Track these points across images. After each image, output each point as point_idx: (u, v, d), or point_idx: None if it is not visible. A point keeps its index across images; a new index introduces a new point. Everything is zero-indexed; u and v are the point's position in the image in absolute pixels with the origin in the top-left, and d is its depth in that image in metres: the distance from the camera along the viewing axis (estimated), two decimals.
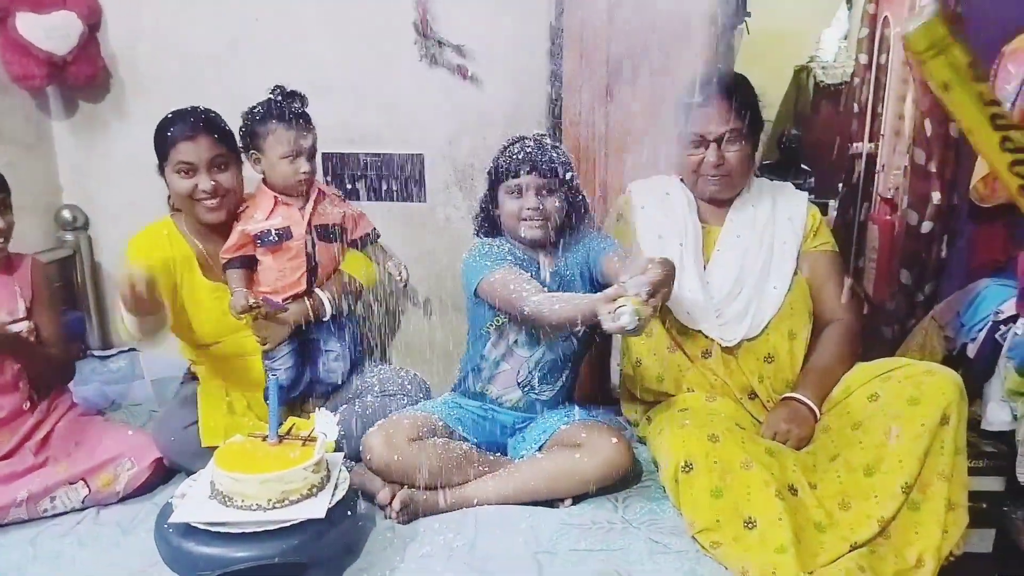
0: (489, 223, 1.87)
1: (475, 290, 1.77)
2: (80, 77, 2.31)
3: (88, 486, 1.71)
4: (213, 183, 1.83)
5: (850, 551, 1.46)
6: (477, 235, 1.90)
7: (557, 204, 1.76)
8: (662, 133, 2.00)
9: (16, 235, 2.38)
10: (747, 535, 1.46)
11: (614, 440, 1.70)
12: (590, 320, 1.49)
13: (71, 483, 1.70)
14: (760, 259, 1.83)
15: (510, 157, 1.75)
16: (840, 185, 3.08)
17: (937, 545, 1.48)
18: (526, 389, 1.84)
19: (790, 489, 1.52)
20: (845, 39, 4.20)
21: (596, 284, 1.81)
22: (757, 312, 1.81)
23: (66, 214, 2.49)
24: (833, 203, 3.22)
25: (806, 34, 4.33)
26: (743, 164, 1.82)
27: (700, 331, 1.81)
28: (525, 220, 1.76)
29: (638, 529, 1.60)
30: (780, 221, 1.87)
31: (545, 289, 1.72)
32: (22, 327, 1.76)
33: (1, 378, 1.75)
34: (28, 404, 1.80)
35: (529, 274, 1.74)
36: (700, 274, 1.83)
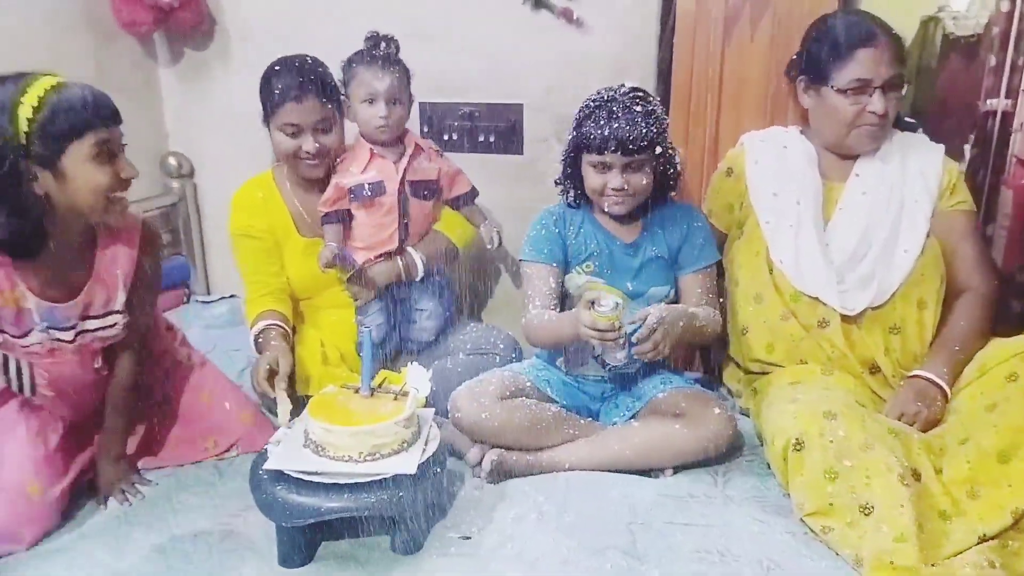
0: (575, 186, 1.74)
1: None
2: (185, 23, 2.33)
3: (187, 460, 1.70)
4: (317, 145, 1.80)
5: (979, 543, 1.33)
6: (562, 196, 1.79)
7: (644, 181, 1.63)
8: (783, 82, 1.84)
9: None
10: (863, 521, 1.34)
11: (716, 411, 1.61)
12: (573, 329, 1.51)
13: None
14: (888, 219, 1.67)
15: (596, 128, 1.59)
16: (968, 146, 2.83)
17: None
18: (606, 364, 1.73)
19: (913, 474, 1.39)
20: None
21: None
22: (884, 278, 1.65)
23: (172, 161, 2.54)
24: (960, 165, 2.98)
25: None
26: (895, 114, 1.66)
27: (818, 298, 1.67)
28: (608, 196, 1.65)
29: (739, 506, 1.51)
30: (912, 177, 1.70)
31: (551, 303, 1.69)
32: (116, 321, 1.49)
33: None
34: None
35: (551, 287, 1.69)
36: (820, 235, 1.68)
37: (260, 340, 1.77)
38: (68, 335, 1.44)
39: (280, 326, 1.79)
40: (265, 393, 1.63)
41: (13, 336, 1.39)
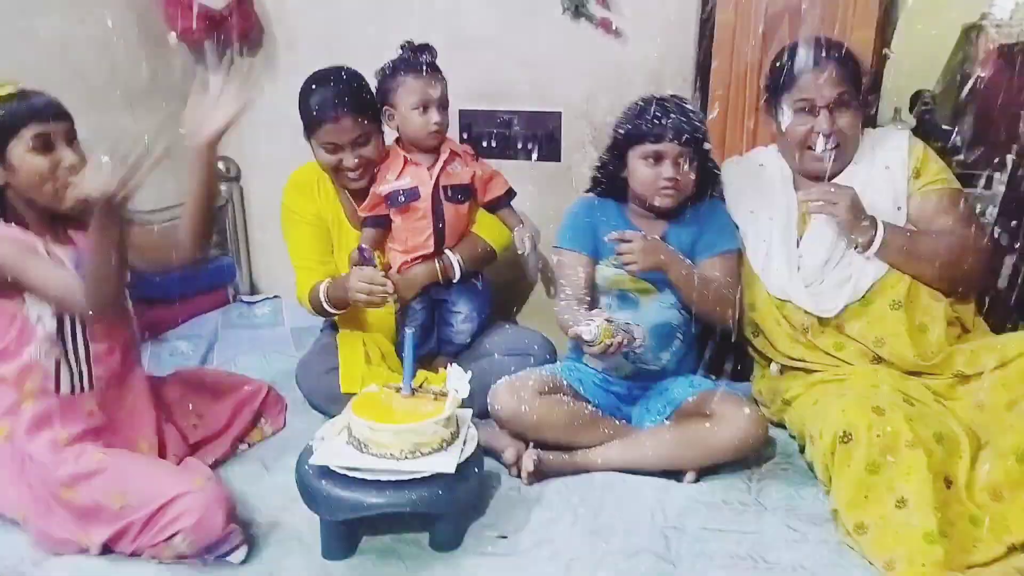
0: (609, 184, 1.80)
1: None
2: (236, 31, 2.40)
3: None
4: (356, 159, 1.86)
5: (1007, 554, 1.34)
6: (591, 191, 1.85)
7: (692, 175, 1.70)
8: None
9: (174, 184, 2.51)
10: (895, 515, 1.35)
11: (747, 411, 1.62)
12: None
13: None
14: None
15: (651, 121, 1.66)
16: (1011, 156, 2.80)
17: None
18: (632, 359, 1.75)
19: (945, 481, 1.40)
20: None
21: None
22: (858, 280, 1.69)
23: (220, 165, 2.62)
24: (1000, 175, 2.94)
25: None
26: (854, 132, 1.70)
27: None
28: (661, 189, 1.69)
29: (773, 513, 1.52)
30: (877, 173, 1.73)
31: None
32: None
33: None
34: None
35: (581, 276, 1.75)
36: (788, 252, 1.75)
37: (329, 286, 1.87)
38: None
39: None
40: (372, 295, 1.74)
41: None
